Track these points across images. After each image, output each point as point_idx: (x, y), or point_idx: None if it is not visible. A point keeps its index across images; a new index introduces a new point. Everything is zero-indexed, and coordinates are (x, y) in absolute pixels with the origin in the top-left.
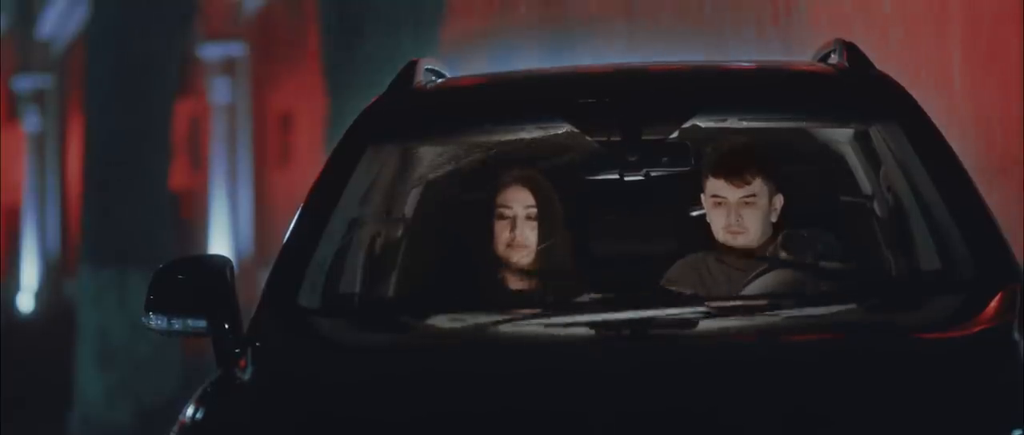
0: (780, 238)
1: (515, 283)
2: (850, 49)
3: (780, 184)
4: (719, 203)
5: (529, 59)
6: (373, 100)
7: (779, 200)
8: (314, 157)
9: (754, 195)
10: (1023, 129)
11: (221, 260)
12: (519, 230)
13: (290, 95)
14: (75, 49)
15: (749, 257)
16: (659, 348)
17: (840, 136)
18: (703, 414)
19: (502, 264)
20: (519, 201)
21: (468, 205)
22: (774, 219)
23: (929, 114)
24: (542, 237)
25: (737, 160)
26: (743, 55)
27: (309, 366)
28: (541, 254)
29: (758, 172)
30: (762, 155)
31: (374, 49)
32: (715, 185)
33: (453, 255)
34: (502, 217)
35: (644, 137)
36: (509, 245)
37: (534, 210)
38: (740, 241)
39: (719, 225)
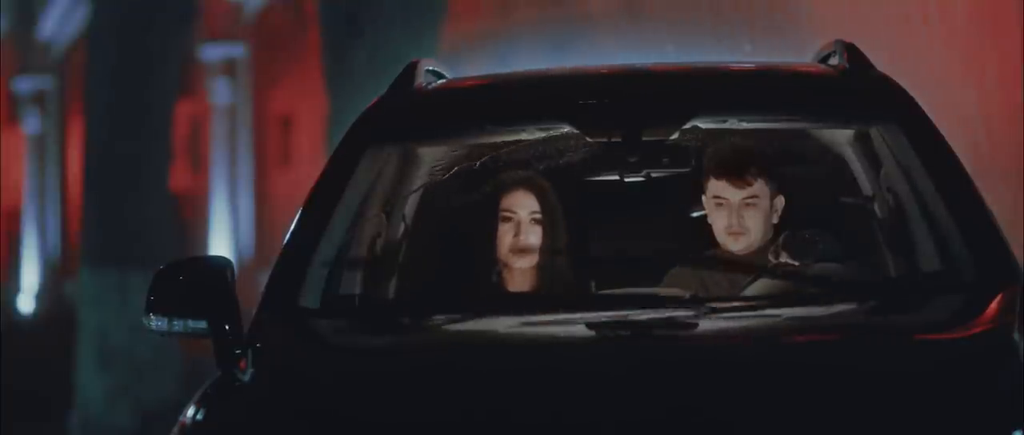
0: (781, 239)
1: (516, 285)
2: (850, 50)
3: (781, 185)
4: (720, 204)
5: (530, 59)
6: (373, 101)
7: (780, 201)
8: (315, 158)
9: (755, 196)
10: (1023, 129)
11: (221, 261)
12: (523, 234)
13: (290, 96)
14: (75, 50)
15: (750, 258)
16: (659, 349)
17: (840, 137)
18: (702, 415)
19: (504, 266)
20: (524, 206)
21: (468, 206)
22: (775, 220)
23: (929, 115)
24: (545, 240)
25: (739, 161)
26: (744, 56)
27: (309, 367)
28: (543, 257)
29: (760, 173)
30: (763, 156)
31: (374, 50)
32: (716, 186)
33: (453, 256)
34: (506, 220)
35: (645, 138)
36: (513, 249)
37: (539, 214)
38: (741, 242)
39: (720, 226)
